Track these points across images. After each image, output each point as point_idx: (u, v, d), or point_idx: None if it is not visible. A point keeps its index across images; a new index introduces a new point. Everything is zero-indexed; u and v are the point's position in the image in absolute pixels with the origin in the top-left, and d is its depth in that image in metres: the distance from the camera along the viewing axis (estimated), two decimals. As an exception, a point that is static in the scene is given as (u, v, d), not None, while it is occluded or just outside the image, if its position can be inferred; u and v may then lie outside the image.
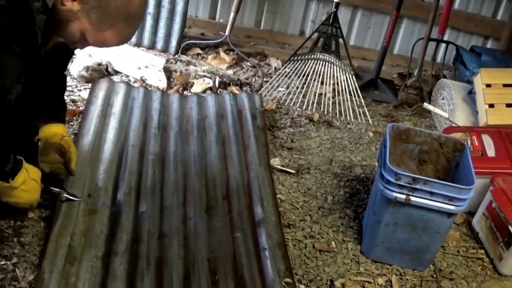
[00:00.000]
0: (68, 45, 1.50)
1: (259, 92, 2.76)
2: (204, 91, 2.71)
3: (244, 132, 2.25)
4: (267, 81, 2.89)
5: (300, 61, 2.94)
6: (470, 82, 2.73)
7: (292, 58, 3.00)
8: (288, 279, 1.60)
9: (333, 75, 2.87)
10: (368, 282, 1.71)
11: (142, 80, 2.68)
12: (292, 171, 2.20)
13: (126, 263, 1.56)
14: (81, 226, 1.63)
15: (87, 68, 2.58)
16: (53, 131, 1.69)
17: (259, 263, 1.65)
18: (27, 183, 1.54)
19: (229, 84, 2.83)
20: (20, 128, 1.63)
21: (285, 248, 1.71)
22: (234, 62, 3.12)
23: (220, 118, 2.32)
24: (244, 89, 2.85)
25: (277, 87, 2.84)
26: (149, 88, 2.57)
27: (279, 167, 2.21)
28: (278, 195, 2.03)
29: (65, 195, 1.69)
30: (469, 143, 2.16)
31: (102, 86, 2.28)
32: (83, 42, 1.44)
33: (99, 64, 2.63)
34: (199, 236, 1.72)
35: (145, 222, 1.72)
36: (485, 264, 1.89)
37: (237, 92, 2.70)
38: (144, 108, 2.27)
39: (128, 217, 1.72)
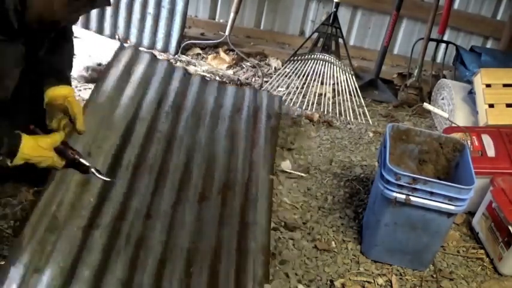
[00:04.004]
0: None
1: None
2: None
3: (256, 130, 2.21)
4: (267, 81, 2.90)
5: (300, 61, 2.95)
6: (470, 82, 2.73)
7: (292, 58, 3.00)
8: (268, 285, 1.56)
9: (333, 75, 2.87)
10: (368, 282, 1.71)
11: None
12: (303, 174, 2.19)
13: (105, 237, 1.54)
14: (70, 196, 1.61)
15: (87, 68, 2.58)
16: (56, 93, 1.64)
17: (238, 263, 1.61)
18: (34, 159, 1.48)
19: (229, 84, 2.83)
20: (28, 99, 1.61)
21: (268, 255, 1.66)
22: (234, 62, 3.12)
23: (235, 111, 2.28)
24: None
25: (277, 87, 2.84)
26: (174, 64, 2.51)
27: (289, 170, 2.20)
28: (278, 196, 2.03)
29: (93, 170, 1.64)
30: (469, 143, 2.16)
31: (126, 53, 2.24)
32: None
33: (99, 64, 2.63)
34: (185, 223, 1.69)
35: (134, 200, 1.70)
36: (485, 264, 1.89)
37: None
38: (163, 84, 2.21)
39: (118, 192, 1.69)
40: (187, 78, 2.35)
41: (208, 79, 2.52)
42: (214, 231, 1.70)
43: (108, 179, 1.66)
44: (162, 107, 2.11)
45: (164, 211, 1.71)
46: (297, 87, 2.79)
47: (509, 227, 1.78)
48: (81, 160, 1.62)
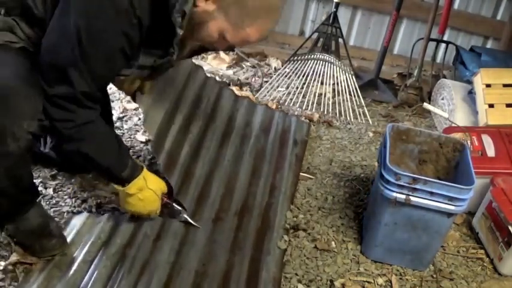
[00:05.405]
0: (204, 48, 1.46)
1: (260, 94, 2.76)
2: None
3: (281, 155, 2.16)
4: (266, 81, 2.89)
5: (299, 61, 2.95)
6: (470, 82, 2.73)
7: (292, 58, 3.00)
8: None
9: (333, 75, 2.87)
10: (368, 282, 1.71)
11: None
12: (311, 176, 2.18)
13: (112, 259, 1.53)
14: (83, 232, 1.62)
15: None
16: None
17: None
18: (143, 192, 1.50)
19: (229, 84, 2.83)
20: None
21: (279, 286, 1.60)
22: (234, 62, 3.12)
23: (262, 131, 2.25)
24: (244, 89, 2.85)
25: (277, 87, 2.84)
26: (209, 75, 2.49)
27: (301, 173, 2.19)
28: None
29: (185, 215, 1.66)
30: (469, 143, 2.16)
31: None
32: (222, 42, 1.37)
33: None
34: (195, 244, 1.64)
35: (145, 223, 1.68)
36: (485, 264, 1.89)
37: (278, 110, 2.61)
38: (198, 90, 2.19)
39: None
40: (220, 90, 2.34)
41: (238, 95, 2.50)
42: (225, 254, 1.64)
43: (198, 226, 1.66)
44: (196, 111, 2.09)
45: (175, 230, 1.67)
46: (297, 87, 2.79)
47: (509, 227, 1.78)
48: (174, 204, 1.62)
